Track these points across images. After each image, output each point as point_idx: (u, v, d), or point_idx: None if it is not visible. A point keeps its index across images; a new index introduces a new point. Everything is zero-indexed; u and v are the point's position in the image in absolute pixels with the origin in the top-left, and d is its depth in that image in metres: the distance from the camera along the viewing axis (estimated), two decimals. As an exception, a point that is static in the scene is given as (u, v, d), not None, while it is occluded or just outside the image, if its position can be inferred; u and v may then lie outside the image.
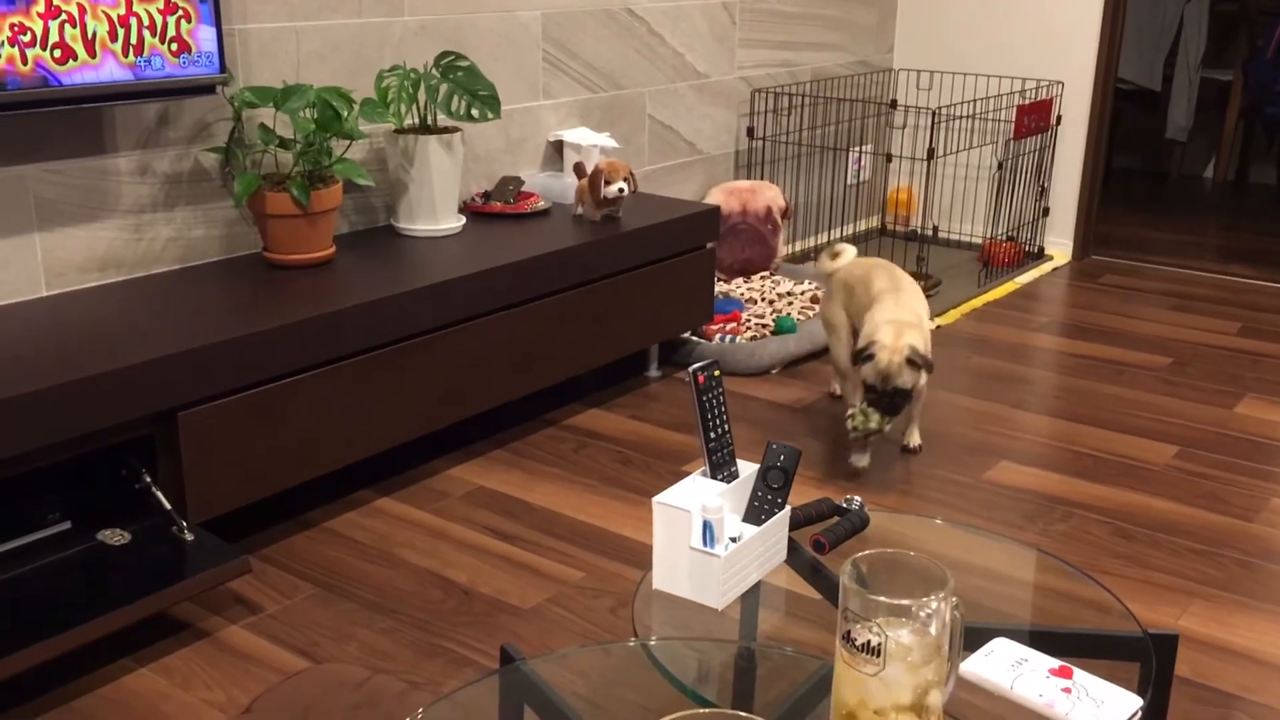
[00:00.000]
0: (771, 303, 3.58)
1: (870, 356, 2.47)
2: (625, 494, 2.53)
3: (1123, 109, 5.76)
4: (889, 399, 2.48)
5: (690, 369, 1.51)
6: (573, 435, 2.83)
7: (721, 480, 1.49)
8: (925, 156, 3.91)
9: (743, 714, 0.83)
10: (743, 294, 3.65)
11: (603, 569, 2.22)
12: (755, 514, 1.48)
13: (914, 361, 2.46)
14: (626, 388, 3.14)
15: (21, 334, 2.06)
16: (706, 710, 0.83)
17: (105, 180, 2.31)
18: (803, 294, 3.64)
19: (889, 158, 4.66)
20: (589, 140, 3.24)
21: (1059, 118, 4.39)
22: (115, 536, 2.01)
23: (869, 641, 0.98)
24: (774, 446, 1.52)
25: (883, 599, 0.97)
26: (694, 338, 3.32)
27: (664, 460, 2.70)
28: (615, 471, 2.64)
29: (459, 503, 2.47)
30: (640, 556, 2.27)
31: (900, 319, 2.54)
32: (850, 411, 2.55)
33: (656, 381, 3.20)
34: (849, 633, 0.99)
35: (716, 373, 1.54)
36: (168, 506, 2.03)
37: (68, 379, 1.85)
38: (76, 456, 1.93)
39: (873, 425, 2.50)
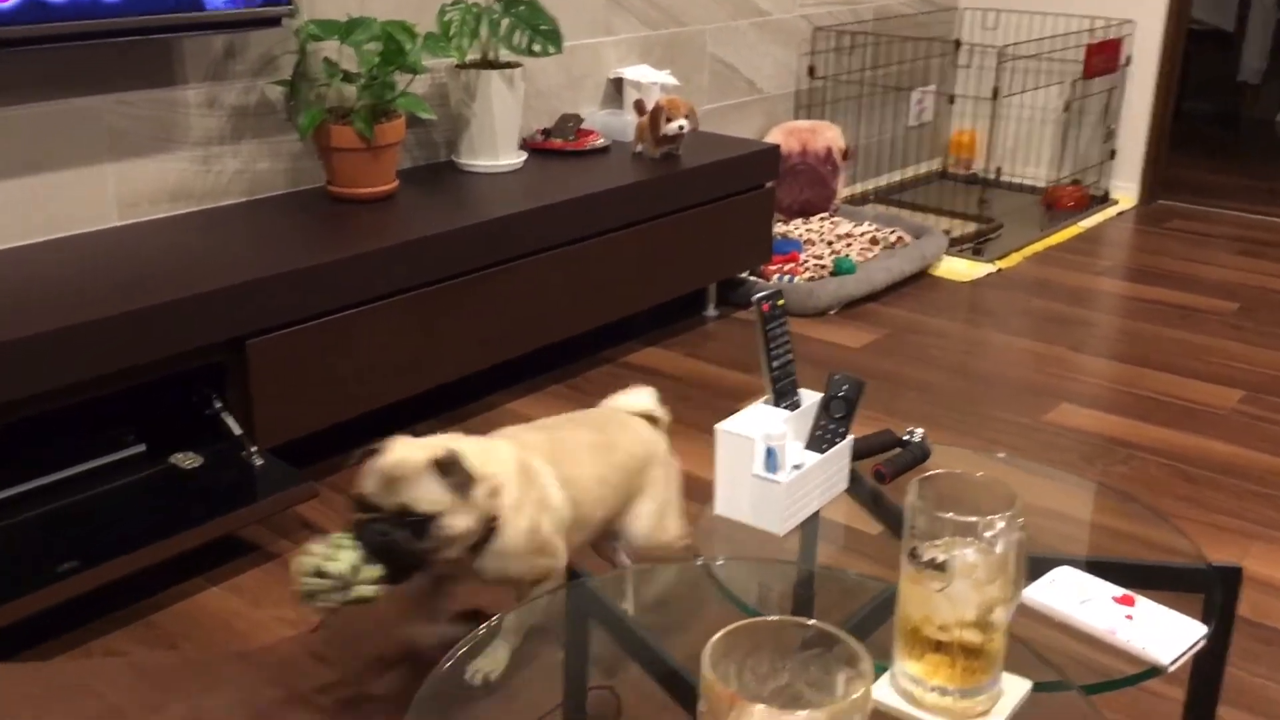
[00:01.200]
0: (830, 244, 3.56)
1: (373, 450, 1.45)
2: (683, 429, 2.54)
3: (1194, 50, 5.60)
4: (386, 533, 1.39)
5: (754, 298, 1.51)
6: (630, 372, 2.84)
7: (785, 409, 1.50)
8: (990, 97, 3.85)
9: (808, 620, 0.84)
10: (801, 235, 3.63)
11: (661, 502, 2.24)
12: (818, 443, 1.48)
13: (447, 468, 1.40)
14: (683, 326, 3.14)
15: (96, 262, 2.11)
16: (775, 618, 0.84)
17: (175, 112, 2.35)
18: (862, 235, 3.61)
19: (952, 99, 4.59)
20: (649, 78, 3.22)
21: (1128, 58, 4.29)
22: (187, 460, 2.06)
23: (935, 558, 0.98)
24: (837, 377, 1.52)
25: (950, 516, 0.97)
26: (752, 278, 3.31)
27: (721, 398, 2.71)
28: (672, 408, 2.64)
29: (519, 435, 2.50)
30: (698, 490, 2.29)
31: (484, 442, 1.53)
32: (318, 543, 1.43)
33: (714, 321, 3.20)
34: (915, 550, 1.00)
35: (780, 302, 1.54)
36: (237, 432, 2.08)
37: (140, 306, 1.89)
38: (150, 382, 1.98)
39: (337, 568, 1.38)
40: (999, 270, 3.65)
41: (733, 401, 2.69)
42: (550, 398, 2.69)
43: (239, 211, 2.44)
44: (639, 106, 3.03)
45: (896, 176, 4.48)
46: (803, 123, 3.84)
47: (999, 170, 4.60)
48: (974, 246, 3.78)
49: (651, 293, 2.91)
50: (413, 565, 1.44)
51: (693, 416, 2.60)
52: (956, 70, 4.63)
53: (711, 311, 3.24)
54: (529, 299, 2.56)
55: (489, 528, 1.46)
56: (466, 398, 2.66)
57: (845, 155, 3.82)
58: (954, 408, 2.69)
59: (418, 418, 2.56)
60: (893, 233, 3.64)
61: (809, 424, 1.51)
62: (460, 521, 1.42)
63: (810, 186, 3.80)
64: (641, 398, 1.84)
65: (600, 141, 3.03)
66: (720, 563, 1.32)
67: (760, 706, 0.77)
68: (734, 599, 1.28)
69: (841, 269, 3.33)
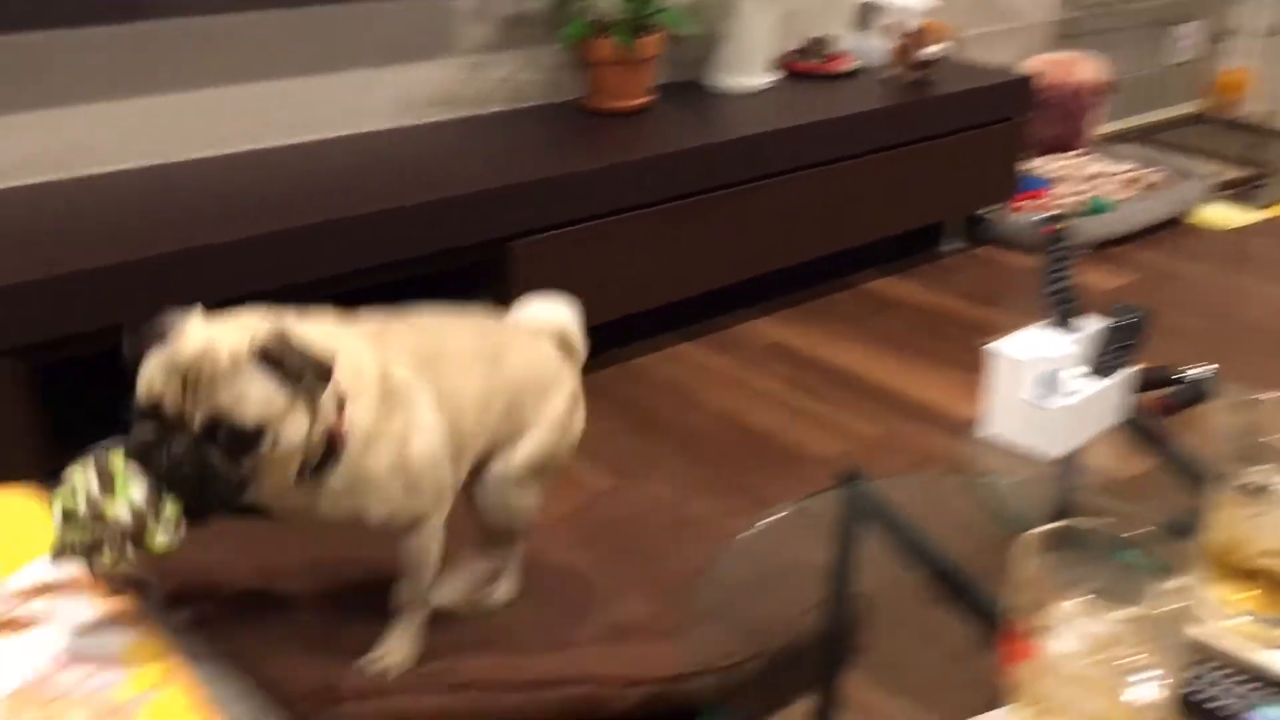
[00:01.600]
0: (1087, 180, 3.40)
1: (157, 337, 1.03)
2: (922, 359, 2.51)
3: None
4: (193, 454, 1.00)
5: (1038, 217, 1.47)
6: (869, 299, 2.81)
7: (1064, 333, 1.46)
8: (1267, 34, 3.57)
9: (1132, 528, 0.83)
10: (1048, 172, 3.48)
11: (901, 428, 2.23)
12: (1100, 369, 1.44)
13: (275, 360, 1.02)
14: (923, 258, 3.08)
15: (372, 161, 2.22)
16: (1095, 519, 0.83)
17: (449, 20, 2.44)
18: (1115, 175, 3.44)
19: (1223, 34, 4.28)
20: (903, 1, 3.13)
21: None
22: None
23: (1253, 483, 0.95)
24: (1120, 305, 1.48)
25: (1273, 439, 0.93)
26: (994, 214, 3.21)
27: (962, 331, 2.65)
28: (913, 338, 2.62)
29: (759, 354, 2.52)
30: (940, 419, 2.26)
31: (329, 333, 1.13)
32: (71, 468, 1.03)
33: (953, 254, 3.12)
34: (1231, 473, 0.96)
35: (1064, 225, 1.50)
36: (496, 329, 2.17)
37: (414, 203, 2.00)
38: (416, 277, 2.09)
39: (118, 511, 0.99)
40: (1269, 219, 3.41)
41: (974, 335, 2.62)
42: (789, 319, 2.69)
43: (501, 119, 2.52)
44: (894, 30, 2.96)
45: (1153, 116, 4.23)
46: (1059, 54, 3.66)
47: (1272, 114, 4.27)
48: (1241, 192, 3.55)
49: (892, 221, 2.86)
50: (230, 499, 1.03)
51: (934, 348, 2.56)
52: (1231, 4, 4.31)
53: (951, 245, 3.16)
54: (773, 219, 2.56)
55: (331, 446, 1.08)
56: (710, 312, 2.68)
57: (1103, 91, 3.63)
58: (1215, 355, 2.54)
59: (660, 329, 2.60)
60: (1150, 173, 3.46)
61: (1088, 350, 1.47)
62: (297, 430, 1.03)
63: (1061, 122, 3.63)
64: (556, 311, 1.41)
65: (851, 65, 2.98)
66: (1005, 481, 1.31)
67: (1084, 599, 0.76)
68: (1012, 515, 1.26)
69: (1097, 208, 3.18)
